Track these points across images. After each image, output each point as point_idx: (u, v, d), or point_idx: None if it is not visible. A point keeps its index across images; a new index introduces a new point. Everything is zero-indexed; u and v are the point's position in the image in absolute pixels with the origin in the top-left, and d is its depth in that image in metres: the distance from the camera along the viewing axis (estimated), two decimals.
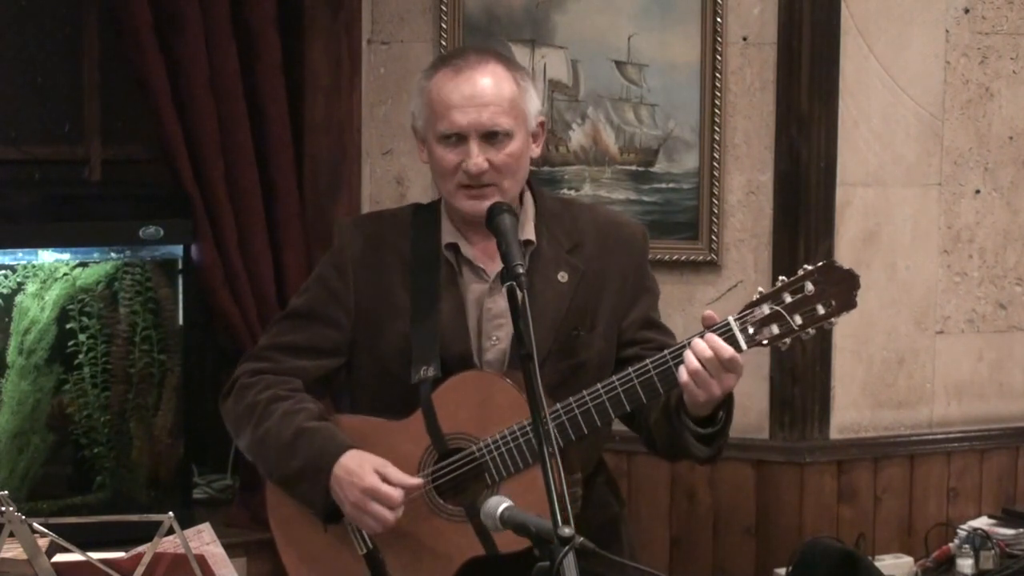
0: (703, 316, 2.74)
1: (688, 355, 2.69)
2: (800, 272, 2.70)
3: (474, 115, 2.83)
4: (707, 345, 2.68)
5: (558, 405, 2.78)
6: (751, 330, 2.70)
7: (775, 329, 2.70)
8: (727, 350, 2.68)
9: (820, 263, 2.71)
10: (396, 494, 2.79)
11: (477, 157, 2.82)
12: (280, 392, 2.93)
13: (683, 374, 2.70)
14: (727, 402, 2.79)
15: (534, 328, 2.52)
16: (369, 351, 2.94)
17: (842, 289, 2.69)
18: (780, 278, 2.71)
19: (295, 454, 2.86)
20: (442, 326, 2.87)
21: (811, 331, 2.70)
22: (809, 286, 2.69)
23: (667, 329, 3.02)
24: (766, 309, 2.70)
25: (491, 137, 2.84)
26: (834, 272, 2.70)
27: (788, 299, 2.69)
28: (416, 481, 2.82)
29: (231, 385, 3.00)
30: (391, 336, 2.91)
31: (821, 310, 2.69)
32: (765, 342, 2.71)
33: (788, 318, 2.69)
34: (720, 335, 2.70)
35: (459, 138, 2.84)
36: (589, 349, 2.91)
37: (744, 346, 2.70)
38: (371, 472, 2.80)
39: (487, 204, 2.81)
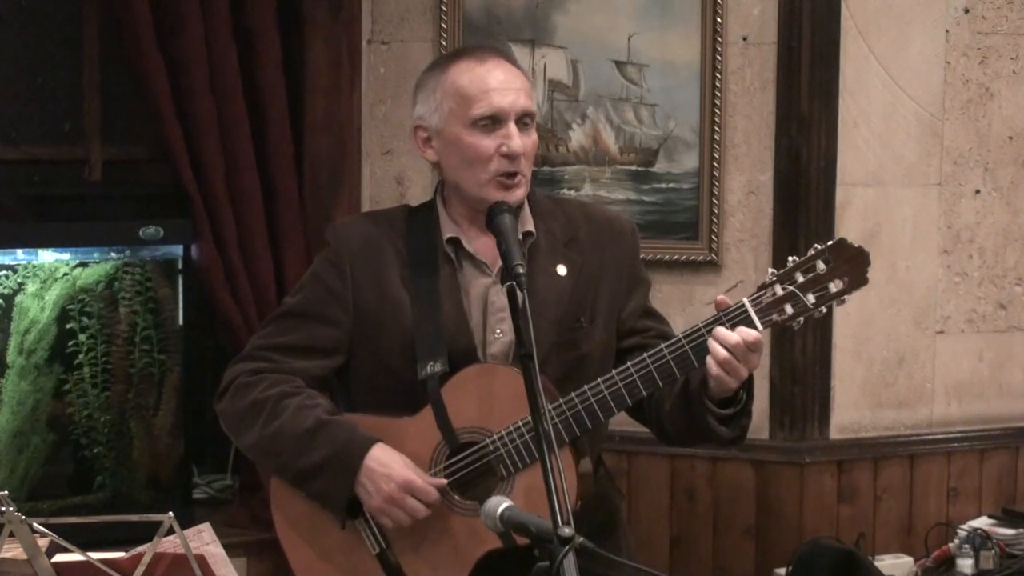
0: (716, 301, 2.76)
1: (714, 346, 2.70)
2: (811, 251, 2.72)
3: (512, 97, 2.84)
4: (732, 332, 2.69)
5: (573, 393, 2.78)
6: (766, 311, 2.72)
7: (789, 309, 2.71)
8: (752, 333, 2.69)
9: (830, 242, 2.73)
10: (432, 489, 2.80)
11: (519, 138, 2.83)
12: (288, 389, 2.90)
13: (713, 366, 2.70)
14: (747, 381, 2.79)
15: (536, 322, 2.53)
16: (370, 349, 2.93)
17: (853, 266, 2.71)
18: (791, 258, 2.73)
19: (316, 446, 2.84)
20: (446, 321, 2.87)
21: (824, 309, 2.72)
22: (821, 265, 2.71)
23: (662, 316, 3.05)
24: (779, 290, 2.72)
25: (523, 120, 2.85)
26: (845, 250, 2.72)
27: (801, 279, 2.71)
28: (441, 482, 2.83)
29: (227, 385, 2.96)
30: (392, 333, 2.89)
31: (834, 288, 2.71)
32: (780, 322, 2.72)
33: (802, 297, 2.71)
34: (736, 318, 2.72)
35: (494, 121, 2.83)
36: (591, 340, 2.92)
37: (760, 327, 2.72)
38: (404, 465, 2.80)
39: (519, 194, 2.83)
